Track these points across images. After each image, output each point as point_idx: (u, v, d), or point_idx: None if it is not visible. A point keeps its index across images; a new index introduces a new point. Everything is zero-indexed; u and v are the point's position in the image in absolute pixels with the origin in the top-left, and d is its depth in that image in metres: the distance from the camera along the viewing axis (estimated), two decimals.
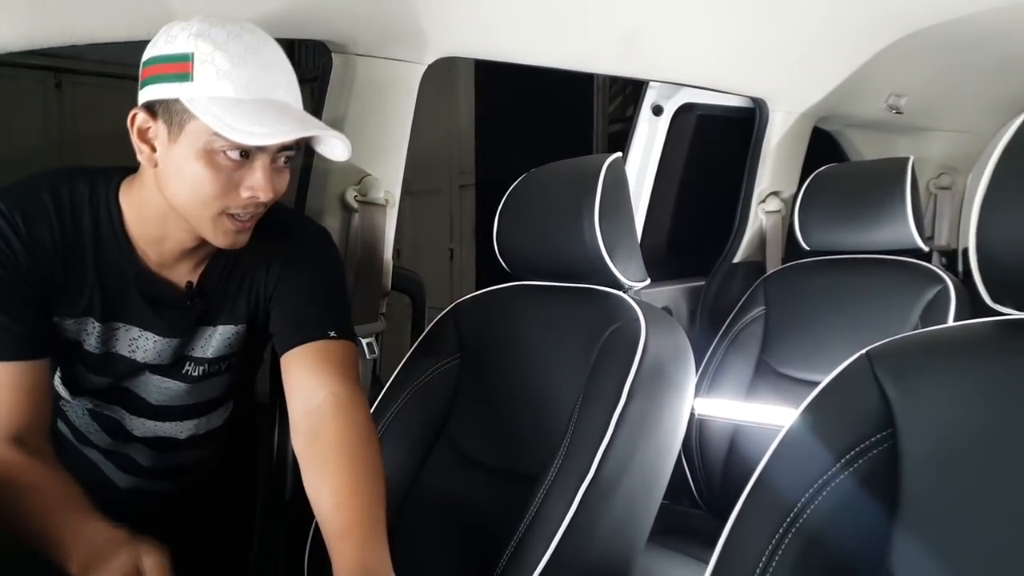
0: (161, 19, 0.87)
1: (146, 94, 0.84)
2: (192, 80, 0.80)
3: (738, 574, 0.64)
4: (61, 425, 1.08)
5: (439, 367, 1.24)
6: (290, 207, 1.18)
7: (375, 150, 1.31)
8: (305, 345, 0.95)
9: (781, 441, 0.68)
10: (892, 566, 0.62)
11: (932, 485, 0.61)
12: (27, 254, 0.86)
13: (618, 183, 1.17)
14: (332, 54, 1.25)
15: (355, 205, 1.29)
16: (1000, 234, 0.61)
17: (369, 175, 1.31)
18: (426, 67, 1.32)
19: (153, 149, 0.85)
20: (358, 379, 0.97)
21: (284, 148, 0.86)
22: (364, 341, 1.31)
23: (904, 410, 0.63)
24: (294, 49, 2.75)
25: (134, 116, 0.85)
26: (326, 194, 1.29)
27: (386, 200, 1.32)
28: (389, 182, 1.34)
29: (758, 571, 0.63)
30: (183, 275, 0.96)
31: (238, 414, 1.16)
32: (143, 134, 0.85)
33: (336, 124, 1.28)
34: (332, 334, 0.96)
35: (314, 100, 1.29)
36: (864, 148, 2.28)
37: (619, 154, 1.18)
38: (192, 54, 0.81)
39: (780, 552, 0.63)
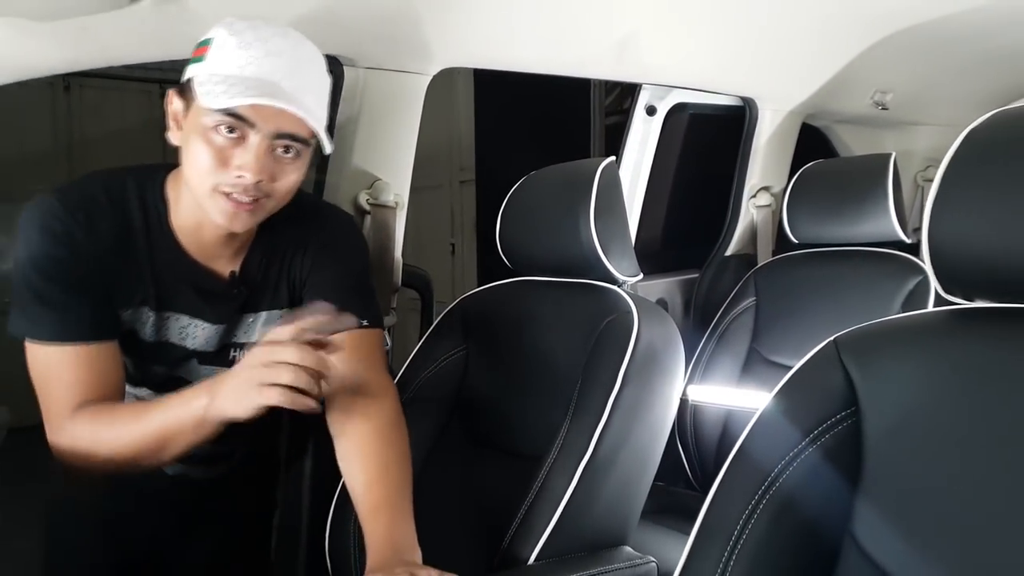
0: (192, 39, 0.94)
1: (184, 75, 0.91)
2: (204, 60, 0.88)
3: (720, 535, 0.71)
4: None
5: (447, 357, 1.32)
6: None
7: (385, 156, 1.40)
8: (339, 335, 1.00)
9: (757, 419, 0.75)
10: (855, 528, 0.69)
11: (890, 456, 0.68)
12: (90, 248, 0.92)
13: (612, 185, 1.25)
14: (344, 67, 1.33)
15: (367, 207, 1.38)
16: (948, 234, 0.67)
17: (380, 179, 1.40)
18: (431, 77, 1.40)
19: (180, 127, 0.92)
20: (387, 366, 1.05)
21: (281, 136, 0.88)
22: None
23: (866, 390, 0.70)
24: None
25: (169, 97, 0.93)
26: (339, 198, 1.38)
27: (395, 202, 1.41)
28: (398, 185, 1.43)
29: (736, 531, 0.70)
30: (225, 264, 1.01)
31: None
32: (174, 114, 0.93)
33: (348, 133, 1.37)
34: (364, 323, 1.01)
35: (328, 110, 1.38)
36: (852, 143, 2.35)
37: (612, 158, 1.27)
38: (212, 39, 0.88)
39: (756, 515, 0.70)
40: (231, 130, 0.87)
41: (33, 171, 4.15)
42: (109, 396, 0.94)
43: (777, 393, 0.76)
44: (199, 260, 1.00)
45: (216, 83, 0.85)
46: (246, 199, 0.89)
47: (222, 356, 1.07)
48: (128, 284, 0.97)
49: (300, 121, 0.87)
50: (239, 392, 0.82)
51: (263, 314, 1.06)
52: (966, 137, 0.68)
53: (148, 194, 0.98)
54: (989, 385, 0.64)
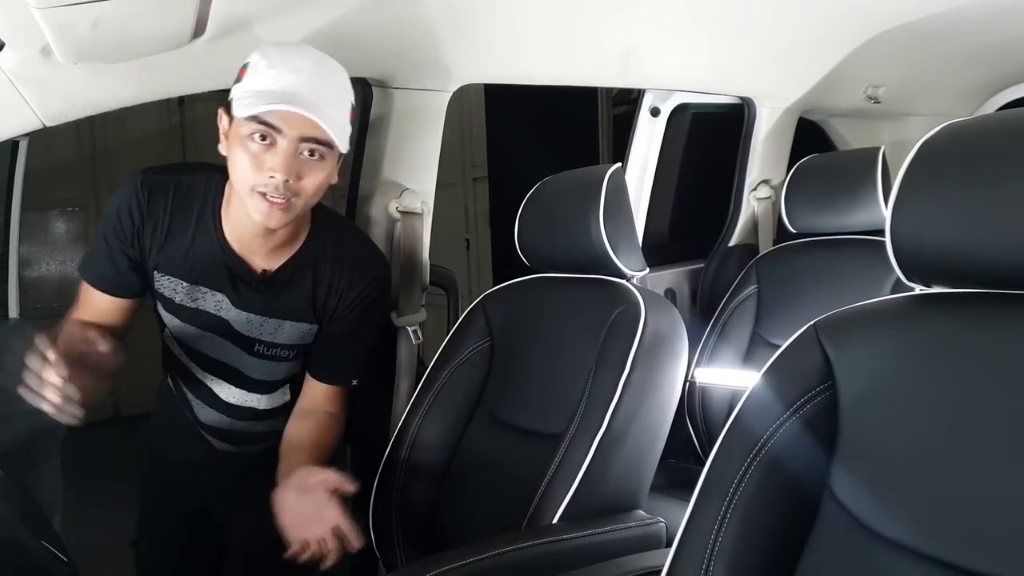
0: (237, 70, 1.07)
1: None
2: (241, 82, 1.03)
3: (718, 492, 0.81)
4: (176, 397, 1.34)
5: (474, 348, 1.45)
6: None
7: (411, 167, 1.53)
8: (332, 386, 1.27)
9: (749, 394, 0.85)
10: (832, 484, 0.77)
11: (862, 422, 0.76)
12: (141, 221, 1.13)
13: (618, 189, 1.37)
14: (373, 88, 1.46)
15: (397, 215, 1.52)
16: (907, 229, 0.76)
17: (407, 189, 1.53)
18: (451, 94, 1.53)
19: (228, 139, 1.06)
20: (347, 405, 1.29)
21: (305, 140, 1.01)
22: (409, 329, 1.53)
23: (841, 366, 0.77)
24: None
25: (220, 115, 1.07)
26: (373, 207, 1.51)
27: (422, 209, 1.54)
28: (424, 193, 1.55)
29: (731, 489, 0.80)
30: (260, 261, 1.17)
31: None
32: (223, 129, 1.07)
33: (378, 147, 1.50)
34: (354, 383, 1.28)
35: (359, 128, 1.51)
36: (848, 135, 2.43)
37: (619, 165, 1.38)
38: (249, 63, 1.03)
39: (748, 474, 0.80)
40: (263, 137, 1.01)
41: (59, 179, 4.28)
42: (112, 332, 1.13)
43: (765, 371, 0.85)
44: (238, 252, 1.16)
45: (248, 97, 1.00)
46: (279, 199, 1.03)
47: (249, 344, 1.23)
48: (170, 255, 1.16)
49: (320, 127, 1.01)
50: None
51: (287, 323, 1.21)
52: (920, 147, 0.76)
53: (212, 187, 1.15)
54: (946, 360, 0.72)
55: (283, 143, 1.01)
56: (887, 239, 0.76)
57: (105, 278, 1.16)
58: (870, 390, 0.76)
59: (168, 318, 1.22)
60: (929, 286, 0.78)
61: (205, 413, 1.32)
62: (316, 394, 1.27)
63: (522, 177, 1.51)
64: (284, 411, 1.31)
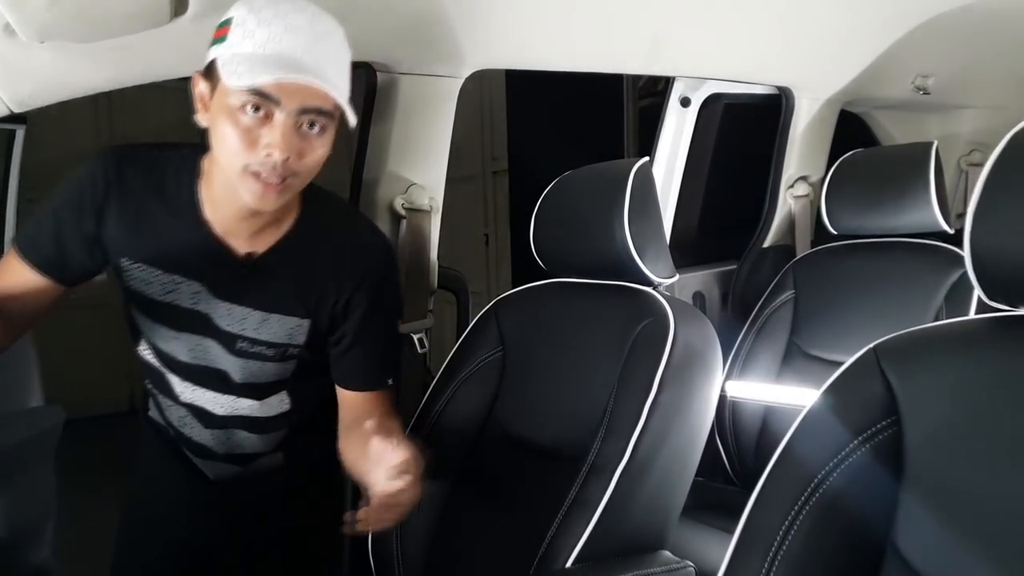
0: None
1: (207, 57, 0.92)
2: (226, 41, 0.88)
3: (759, 543, 0.71)
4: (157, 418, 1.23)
5: (484, 359, 1.33)
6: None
7: (419, 160, 1.42)
8: (367, 392, 1.14)
9: (798, 426, 0.75)
10: (897, 538, 0.68)
11: (932, 467, 0.68)
12: (105, 198, 1.00)
13: (646, 186, 1.25)
14: (377, 73, 1.35)
15: (403, 212, 1.40)
16: (992, 238, 0.67)
17: (415, 184, 1.41)
18: (463, 80, 1.41)
19: (207, 109, 0.93)
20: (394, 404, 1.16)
21: (306, 111, 0.89)
22: (415, 337, 1.42)
23: (907, 399, 0.69)
24: None
25: (195, 80, 0.94)
26: (376, 203, 1.40)
27: (431, 206, 1.42)
28: (433, 188, 1.44)
29: (776, 539, 0.70)
30: (243, 244, 1.04)
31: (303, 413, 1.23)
32: (201, 97, 0.93)
33: (383, 137, 1.39)
34: (390, 383, 1.14)
35: (361, 115, 1.40)
36: (893, 129, 2.31)
37: (646, 159, 1.26)
38: (232, 19, 0.88)
39: (796, 524, 0.71)
40: (256, 109, 0.88)
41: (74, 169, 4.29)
42: (16, 312, 1.03)
43: (818, 402, 0.76)
44: (219, 234, 1.03)
45: (239, 63, 0.86)
46: (275, 180, 0.91)
47: (230, 341, 1.09)
48: (143, 238, 1.03)
49: (324, 95, 0.88)
50: None
51: (274, 316, 1.08)
52: (1010, 140, 0.67)
53: (187, 164, 1.02)
54: None
55: (281, 116, 0.88)
56: (966, 251, 0.68)
57: (41, 251, 1.03)
58: (942, 428, 0.68)
59: (142, 320, 1.11)
60: (1016, 307, 0.69)
61: (195, 432, 1.20)
62: (354, 404, 1.14)
63: (543, 171, 1.42)
64: (284, 423, 1.20)
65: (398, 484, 0.88)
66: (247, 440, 1.20)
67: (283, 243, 1.05)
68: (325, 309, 1.09)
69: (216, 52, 0.90)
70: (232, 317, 1.07)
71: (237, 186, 0.92)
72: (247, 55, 0.87)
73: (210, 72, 0.91)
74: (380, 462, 0.90)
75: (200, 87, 0.94)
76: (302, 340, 1.11)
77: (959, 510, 0.65)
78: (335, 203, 1.14)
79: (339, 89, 0.90)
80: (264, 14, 0.88)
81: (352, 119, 0.92)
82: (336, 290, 1.07)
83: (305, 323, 1.09)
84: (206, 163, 1.02)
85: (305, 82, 0.86)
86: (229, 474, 1.24)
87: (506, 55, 1.44)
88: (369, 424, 0.93)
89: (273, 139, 0.88)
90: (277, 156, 0.89)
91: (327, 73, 0.88)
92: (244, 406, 1.17)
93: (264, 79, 0.85)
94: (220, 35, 0.90)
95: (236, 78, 0.85)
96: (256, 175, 0.90)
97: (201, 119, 0.95)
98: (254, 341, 1.09)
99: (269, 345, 1.10)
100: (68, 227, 1.02)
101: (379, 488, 0.90)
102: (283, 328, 1.09)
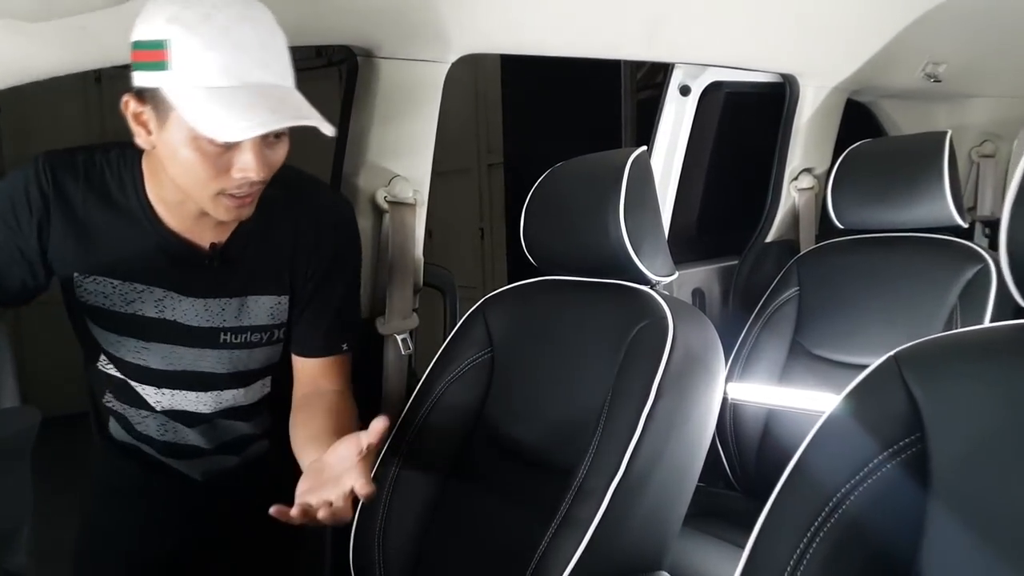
0: None
1: (136, 79, 0.85)
2: (169, 69, 0.81)
3: (770, 566, 0.65)
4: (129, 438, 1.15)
5: (472, 362, 1.26)
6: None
7: (403, 151, 1.34)
8: (324, 358, 1.08)
9: (813, 439, 0.69)
10: (922, 564, 0.62)
11: (960, 486, 0.62)
12: (45, 209, 0.94)
13: (643, 178, 1.17)
14: (357, 58, 1.26)
15: (385, 206, 1.32)
16: None
17: (398, 175, 1.33)
18: (450, 65, 1.33)
19: (149, 132, 0.87)
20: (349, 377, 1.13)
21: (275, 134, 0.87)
22: (399, 337, 1.34)
23: (932, 414, 0.64)
24: None
25: (127, 102, 0.87)
26: (357, 196, 1.32)
27: (415, 199, 1.34)
28: (417, 181, 1.36)
29: (793, 559, 0.64)
30: (206, 236, 0.99)
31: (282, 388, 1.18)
32: (137, 118, 0.87)
33: (364, 127, 1.30)
34: (345, 347, 1.10)
35: (342, 103, 1.31)
36: (901, 119, 2.23)
37: (644, 148, 1.18)
38: (167, 41, 0.80)
39: (809, 553, 0.64)
40: None
41: None
42: None
43: (834, 414, 0.69)
44: (178, 231, 0.98)
45: (205, 102, 0.80)
46: (246, 193, 0.89)
47: (213, 337, 1.04)
48: (90, 249, 0.97)
49: (309, 121, 0.84)
50: None
51: (250, 298, 1.04)
52: None
53: (125, 164, 0.97)
54: None
55: (251, 140, 0.84)
56: (1002, 251, 0.63)
57: None
58: (971, 444, 0.62)
59: (103, 335, 1.03)
60: None
61: (180, 435, 1.13)
62: (309, 374, 1.09)
63: (541, 164, 1.35)
64: (267, 406, 1.15)
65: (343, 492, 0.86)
66: (234, 427, 1.15)
67: (248, 223, 0.99)
68: (300, 282, 1.06)
69: (159, 80, 0.82)
70: (209, 312, 1.03)
71: (208, 208, 0.90)
72: (209, 90, 0.80)
73: (155, 99, 0.83)
74: (340, 483, 0.86)
75: (139, 110, 0.86)
76: (285, 318, 1.08)
77: (991, 533, 0.60)
78: (285, 171, 1.05)
79: (304, 104, 0.85)
80: (205, 32, 0.80)
81: (329, 131, 0.86)
82: (306, 257, 1.05)
83: (284, 299, 1.06)
84: (146, 165, 0.96)
85: (288, 121, 0.83)
86: (218, 468, 1.18)
87: (495, 39, 1.35)
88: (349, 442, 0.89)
89: (246, 163, 0.85)
90: (255, 178, 0.86)
91: (290, 84, 0.86)
92: (228, 397, 1.12)
93: (255, 132, 0.82)
94: (159, 59, 0.81)
95: (221, 132, 0.80)
96: (231, 196, 0.88)
97: (143, 142, 0.88)
98: (237, 330, 1.05)
99: (254, 330, 1.06)
100: (2, 245, 0.94)
101: (326, 496, 0.86)
102: (264, 309, 1.05)
